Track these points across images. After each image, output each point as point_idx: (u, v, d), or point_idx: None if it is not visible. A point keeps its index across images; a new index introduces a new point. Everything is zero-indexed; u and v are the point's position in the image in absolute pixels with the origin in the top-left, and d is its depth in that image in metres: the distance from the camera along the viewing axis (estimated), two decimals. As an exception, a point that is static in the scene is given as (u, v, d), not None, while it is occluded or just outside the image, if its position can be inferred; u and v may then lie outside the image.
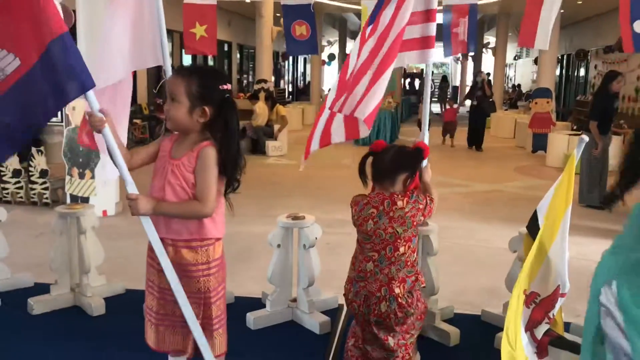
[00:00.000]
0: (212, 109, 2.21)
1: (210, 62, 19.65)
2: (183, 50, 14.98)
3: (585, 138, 2.83)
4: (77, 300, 3.59)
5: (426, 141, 3.04)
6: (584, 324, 1.60)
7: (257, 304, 3.59)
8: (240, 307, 3.52)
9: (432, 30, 2.92)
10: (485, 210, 6.68)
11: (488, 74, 15.11)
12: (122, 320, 3.41)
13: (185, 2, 4.46)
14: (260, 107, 10.92)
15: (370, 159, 2.65)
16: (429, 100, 3.23)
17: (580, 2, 14.33)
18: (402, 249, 2.55)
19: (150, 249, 2.33)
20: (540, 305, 2.96)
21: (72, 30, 6.20)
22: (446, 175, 8.57)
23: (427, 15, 2.91)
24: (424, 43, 2.93)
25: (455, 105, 13.58)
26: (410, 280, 2.58)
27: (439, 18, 3.57)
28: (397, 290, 2.53)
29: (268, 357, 3.11)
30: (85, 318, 3.47)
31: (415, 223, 2.57)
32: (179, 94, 2.21)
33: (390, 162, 2.60)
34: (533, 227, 3.01)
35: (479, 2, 17.10)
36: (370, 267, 2.56)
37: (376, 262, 2.56)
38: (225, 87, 2.25)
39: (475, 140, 12.08)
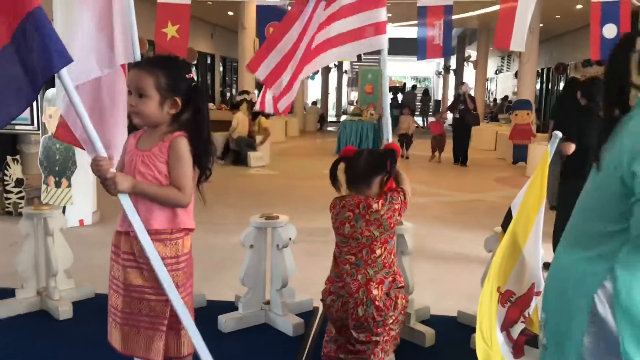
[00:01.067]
0: (182, 98, 2.19)
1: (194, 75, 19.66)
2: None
3: (559, 134, 2.82)
4: (43, 304, 3.49)
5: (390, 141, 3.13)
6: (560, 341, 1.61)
7: (230, 307, 3.52)
8: (212, 310, 3.44)
9: (383, 15, 2.88)
10: (466, 219, 6.68)
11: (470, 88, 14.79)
12: (90, 324, 3.30)
13: (158, 1, 4.41)
14: (239, 118, 10.87)
15: (342, 165, 2.64)
16: (388, 102, 3.27)
17: (558, 17, 14.56)
18: (378, 251, 2.55)
19: (115, 245, 2.26)
20: (515, 304, 2.92)
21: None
22: (429, 185, 8.64)
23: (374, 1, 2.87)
24: (376, 30, 2.90)
25: (439, 118, 12.87)
26: (387, 282, 2.57)
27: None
28: (375, 292, 2.52)
29: (240, 358, 3.03)
30: (52, 322, 3.36)
31: (392, 225, 2.57)
32: (147, 88, 2.16)
33: (365, 166, 2.60)
34: (507, 224, 2.98)
35: (460, 16, 17.33)
36: (348, 269, 2.56)
37: (353, 265, 2.56)
38: (190, 75, 2.23)
39: (461, 154, 11.66)
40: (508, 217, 3.00)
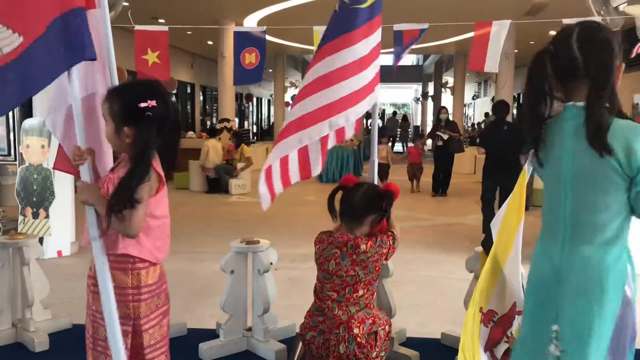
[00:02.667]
0: (134, 129, 2.09)
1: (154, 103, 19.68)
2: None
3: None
4: (19, 336, 3.40)
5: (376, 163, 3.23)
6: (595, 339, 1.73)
7: (212, 334, 3.46)
8: (193, 339, 3.39)
9: (372, 74, 2.84)
10: (447, 242, 6.71)
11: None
12: (66, 356, 3.24)
13: (136, 28, 4.44)
14: (209, 146, 10.81)
15: (339, 194, 2.62)
16: (376, 129, 3.30)
17: (532, 42, 14.89)
18: (361, 292, 2.53)
19: (90, 268, 2.22)
20: (498, 324, 2.92)
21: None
22: (410, 209, 8.69)
23: (366, 60, 2.81)
24: (369, 89, 2.85)
25: (419, 145, 11.85)
26: (368, 323, 2.54)
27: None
28: (356, 330, 2.49)
29: (221, 388, 2.98)
30: (28, 354, 3.28)
31: (377, 268, 2.54)
32: (105, 114, 2.15)
33: (360, 202, 2.56)
34: (487, 244, 3.00)
35: (437, 43, 17.64)
36: (329, 304, 2.53)
37: (335, 301, 2.53)
38: (146, 104, 2.09)
39: (442, 184, 10.84)
40: (488, 236, 3.03)
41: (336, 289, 2.52)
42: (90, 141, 2.62)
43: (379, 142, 11.77)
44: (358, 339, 2.49)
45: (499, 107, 7.15)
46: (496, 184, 6.52)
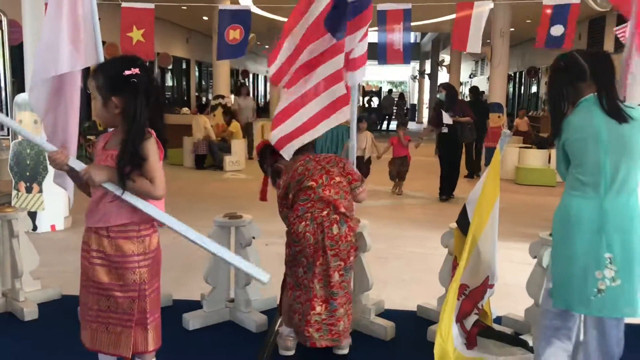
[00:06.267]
0: (121, 98, 2.21)
1: (169, 80, 19.61)
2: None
3: (508, 132, 3.00)
4: (9, 305, 3.52)
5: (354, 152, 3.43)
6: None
7: (196, 305, 3.57)
8: (178, 309, 3.51)
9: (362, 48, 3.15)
10: (437, 220, 6.76)
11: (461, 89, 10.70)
12: (55, 325, 3.36)
13: (122, 5, 4.48)
14: (201, 121, 10.83)
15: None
16: (355, 115, 3.41)
17: (529, 21, 14.84)
18: (338, 179, 2.98)
19: (85, 242, 2.32)
20: (469, 297, 3.04)
21: (20, 45, 6.19)
22: (403, 187, 8.68)
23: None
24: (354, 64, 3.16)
25: (407, 136, 8.77)
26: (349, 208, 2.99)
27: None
28: (342, 210, 2.91)
29: (204, 356, 3.10)
30: (17, 323, 3.40)
31: (345, 166, 3.06)
32: (92, 89, 2.26)
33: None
34: (463, 221, 3.10)
35: (434, 21, 17.54)
36: (314, 189, 2.93)
37: (318, 187, 2.93)
38: (130, 72, 2.21)
39: (451, 184, 8.13)
40: (463, 214, 3.13)
41: (314, 179, 2.95)
42: (60, 112, 2.77)
43: (358, 129, 7.76)
44: (348, 222, 2.90)
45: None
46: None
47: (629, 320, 2.53)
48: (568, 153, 2.50)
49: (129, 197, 2.22)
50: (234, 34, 4.51)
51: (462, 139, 7.89)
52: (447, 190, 8.05)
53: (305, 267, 2.91)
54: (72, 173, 2.35)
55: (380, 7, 4.55)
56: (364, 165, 7.94)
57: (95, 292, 2.30)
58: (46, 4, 2.98)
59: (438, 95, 8.14)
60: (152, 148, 2.23)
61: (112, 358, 2.44)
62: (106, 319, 2.31)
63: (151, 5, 4.38)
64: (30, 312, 3.42)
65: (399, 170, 8.51)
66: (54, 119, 2.89)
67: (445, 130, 7.79)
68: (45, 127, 2.94)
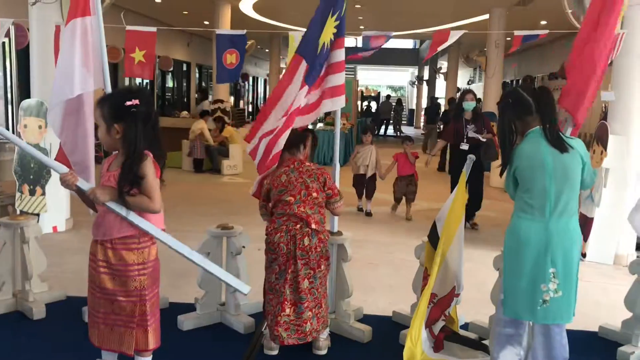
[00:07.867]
0: (122, 125, 2.55)
1: (170, 82, 19.86)
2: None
3: (473, 157, 3.30)
4: (19, 305, 3.83)
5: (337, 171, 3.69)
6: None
7: (190, 308, 3.87)
8: (173, 311, 3.81)
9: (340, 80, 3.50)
10: (428, 227, 6.87)
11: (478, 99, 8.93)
12: (61, 324, 3.67)
13: (127, 28, 4.80)
14: (199, 125, 11.03)
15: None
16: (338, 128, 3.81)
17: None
18: (314, 194, 3.24)
19: (92, 252, 2.65)
20: (437, 305, 3.36)
21: (26, 50, 6.45)
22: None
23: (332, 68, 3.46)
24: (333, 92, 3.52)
25: (415, 151, 7.62)
26: (321, 223, 3.28)
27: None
28: (314, 226, 3.20)
29: (196, 354, 3.40)
30: (27, 322, 3.70)
31: (324, 179, 3.31)
32: (97, 118, 2.61)
33: (295, 137, 3.44)
34: (433, 236, 3.41)
35: (433, 29, 17.76)
36: (290, 205, 3.20)
37: (294, 203, 3.21)
38: (131, 102, 2.54)
39: (475, 208, 6.77)
40: (433, 229, 3.44)
41: (293, 194, 3.22)
42: (78, 132, 3.12)
43: (362, 143, 7.72)
44: (319, 235, 3.20)
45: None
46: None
47: (579, 327, 2.83)
48: (518, 179, 2.82)
49: (133, 218, 2.54)
50: (231, 59, 4.83)
51: (483, 158, 6.41)
52: (472, 215, 6.79)
53: (277, 273, 3.23)
54: (80, 192, 2.66)
55: (365, 34, 4.92)
56: (369, 182, 7.46)
57: (101, 297, 2.64)
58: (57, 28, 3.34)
59: (464, 105, 6.64)
60: (149, 168, 2.55)
61: (115, 355, 2.77)
62: (112, 320, 2.64)
63: (153, 29, 4.70)
64: (38, 312, 3.72)
65: (406, 191, 7.34)
66: (73, 137, 3.22)
67: (465, 147, 6.52)
68: (64, 143, 3.27)
